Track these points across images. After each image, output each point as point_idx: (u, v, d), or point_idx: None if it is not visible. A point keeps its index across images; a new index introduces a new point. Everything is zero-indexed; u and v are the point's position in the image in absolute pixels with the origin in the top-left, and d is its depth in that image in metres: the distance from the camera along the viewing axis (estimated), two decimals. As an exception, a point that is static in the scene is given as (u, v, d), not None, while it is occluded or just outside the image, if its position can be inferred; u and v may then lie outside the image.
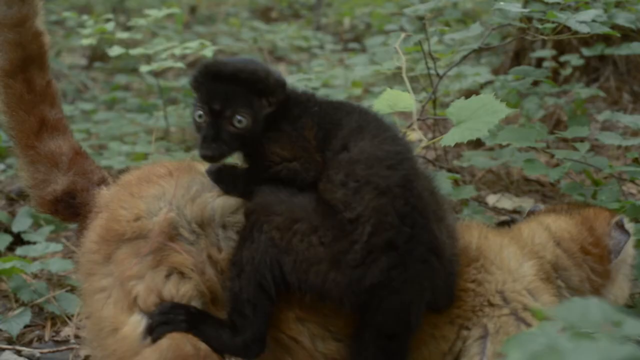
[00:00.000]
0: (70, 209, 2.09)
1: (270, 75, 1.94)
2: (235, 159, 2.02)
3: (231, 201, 1.94)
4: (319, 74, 5.01)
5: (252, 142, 1.93)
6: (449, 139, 2.22)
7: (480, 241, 2.02)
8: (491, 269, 1.97)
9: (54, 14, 7.63)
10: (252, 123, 1.91)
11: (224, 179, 1.97)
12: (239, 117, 1.90)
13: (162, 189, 1.94)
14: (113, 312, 1.85)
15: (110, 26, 4.30)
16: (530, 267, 1.99)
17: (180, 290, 1.86)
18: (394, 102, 2.35)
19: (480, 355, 1.90)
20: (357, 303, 1.80)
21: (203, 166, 2.01)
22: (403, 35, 3.09)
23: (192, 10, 10.42)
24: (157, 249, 1.86)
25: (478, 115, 2.22)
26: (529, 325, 1.91)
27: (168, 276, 1.86)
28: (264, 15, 10.66)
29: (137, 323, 1.83)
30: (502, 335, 1.90)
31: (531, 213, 2.28)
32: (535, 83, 4.24)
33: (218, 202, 1.94)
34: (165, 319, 1.81)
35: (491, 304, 1.94)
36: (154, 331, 1.81)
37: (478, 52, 3.64)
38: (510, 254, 2.01)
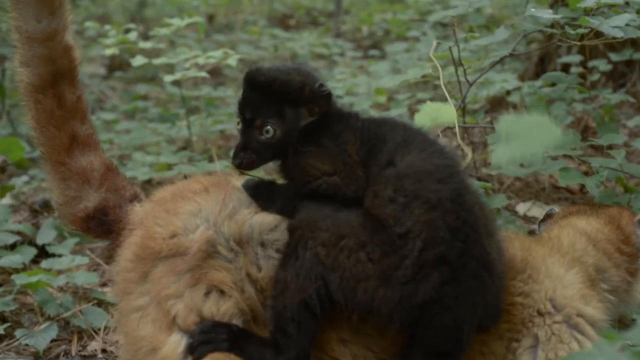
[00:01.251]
0: (102, 226, 2.05)
1: (306, 86, 1.89)
2: (273, 175, 1.98)
3: (269, 218, 1.89)
4: (343, 82, 4.96)
5: (285, 152, 1.91)
6: (501, 156, 2.15)
7: (524, 253, 1.98)
8: (539, 278, 1.93)
9: (74, 24, 7.62)
10: (283, 134, 1.89)
11: (261, 195, 1.93)
12: (267, 127, 1.88)
13: (198, 205, 1.90)
14: (151, 331, 1.81)
15: (132, 36, 4.27)
16: (575, 275, 1.95)
17: (221, 309, 1.81)
18: (435, 115, 2.29)
19: None
20: (407, 320, 1.75)
21: (239, 181, 1.97)
22: (435, 43, 3.03)
23: (210, 18, 10.41)
24: (195, 267, 1.82)
25: (532, 134, 2.14)
26: (581, 332, 1.88)
27: (207, 294, 1.81)
28: (282, 22, 10.64)
29: (177, 342, 1.78)
30: (555, 343, 1.87)
31: (548, 216, 2.24)
32: (560, 89, 4.17)
33: (256, 219, 1.89)
34: (206, 338, 1.77)
35: (540, 314, 1.89)
36: (195, 351, 1.76)
37: (502, 58, 3.58)
38: (555, 263, 1.96)
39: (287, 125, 1.90)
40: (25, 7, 2.03)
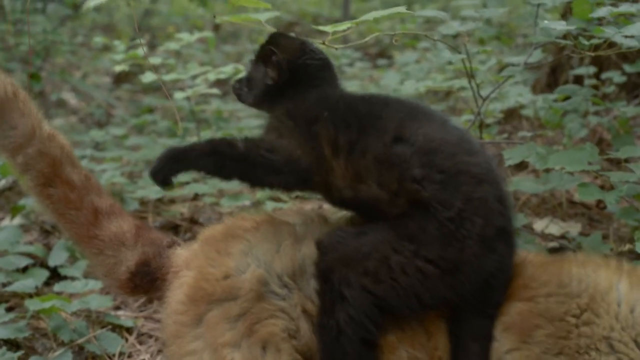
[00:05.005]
0: (147, 276, 2.04)
1: (276, 50, 2.01)
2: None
3: (314, 249, 1.88)
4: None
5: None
6: None
7: (579, 269, 1.89)
8: (599, 311, 1.84)
9: (80, 36, 7.60)
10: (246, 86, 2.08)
11: None
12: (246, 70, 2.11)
13: (249, 243, 1.89)
14: None
15: (141, 52, 4.24)
16: (629, 314, 1.84)
17: None
18: None
19: None
20: (475, 296, 1.79)
21: (286, 216, 1.98)
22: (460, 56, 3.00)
23: (216, 27, 10.38)
24: (247, 310, 1.82)
25: None
26: None
27: (264, 349, 1.81)
28: (288, 30, 10.60)
29: None
30: None
31: None
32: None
33: (305, 251, 1.88)
34: None
35: (597, 349, 1.82)
36: None
37: (510, 76, 3.54)
38: (621, 296, 1.86)
39: (250, 79, 2.07)
40: None
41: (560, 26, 2.79)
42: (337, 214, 2.02)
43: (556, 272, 1.89)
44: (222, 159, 1.88)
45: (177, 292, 1.91)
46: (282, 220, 1.96)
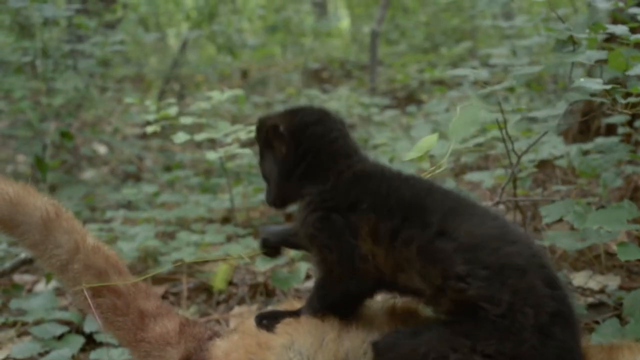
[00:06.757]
0: None
1: (271, 125, 1.91)
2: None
3: (357, 341, 1.85)
4: (385, 146, 4.91)
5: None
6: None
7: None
8: None
9: (110, 91, 7.67)
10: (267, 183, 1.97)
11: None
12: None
13: (290, 337, 1.86)
14: None
15: (173, 111, 4.26)
16: None
17: None
18: (424, 148, 2.44)
19: None
20: None
21: None
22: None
23: (244, 74, 10.45)
24: None
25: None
26: None
27: None
28: (316, 75, 10.64)
29: None
30: None
31: None
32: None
33: (347, 345, 1.85)
34: None
35: None
36: None
37: (545, 133, 3.51)
38: None
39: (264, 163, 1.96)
40: (43, 244, 2.15)
41: (597, 85, 2.78)
42: (379, 302, 1.99)
43: (607, 351, 1.86)
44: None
45: None
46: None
